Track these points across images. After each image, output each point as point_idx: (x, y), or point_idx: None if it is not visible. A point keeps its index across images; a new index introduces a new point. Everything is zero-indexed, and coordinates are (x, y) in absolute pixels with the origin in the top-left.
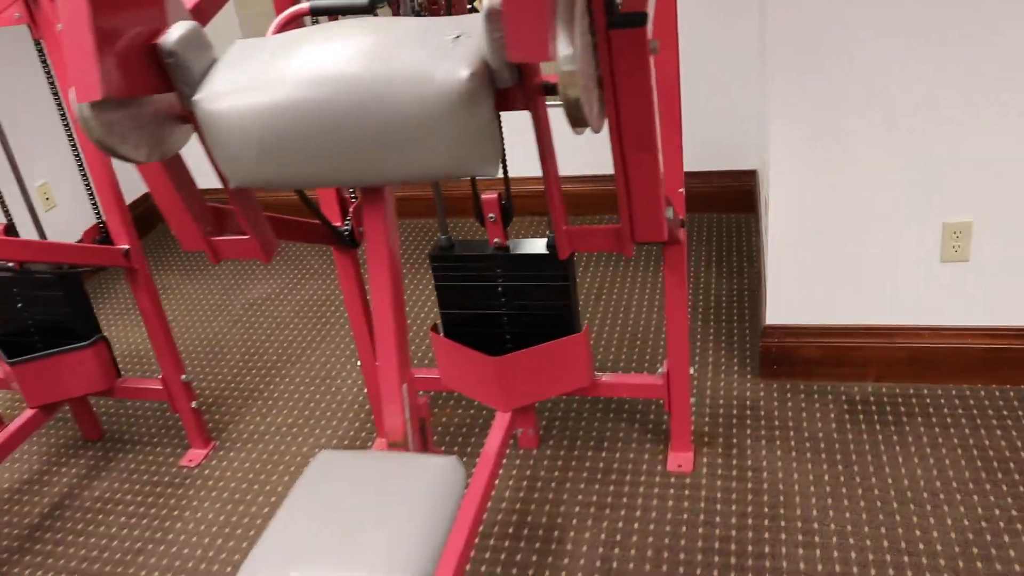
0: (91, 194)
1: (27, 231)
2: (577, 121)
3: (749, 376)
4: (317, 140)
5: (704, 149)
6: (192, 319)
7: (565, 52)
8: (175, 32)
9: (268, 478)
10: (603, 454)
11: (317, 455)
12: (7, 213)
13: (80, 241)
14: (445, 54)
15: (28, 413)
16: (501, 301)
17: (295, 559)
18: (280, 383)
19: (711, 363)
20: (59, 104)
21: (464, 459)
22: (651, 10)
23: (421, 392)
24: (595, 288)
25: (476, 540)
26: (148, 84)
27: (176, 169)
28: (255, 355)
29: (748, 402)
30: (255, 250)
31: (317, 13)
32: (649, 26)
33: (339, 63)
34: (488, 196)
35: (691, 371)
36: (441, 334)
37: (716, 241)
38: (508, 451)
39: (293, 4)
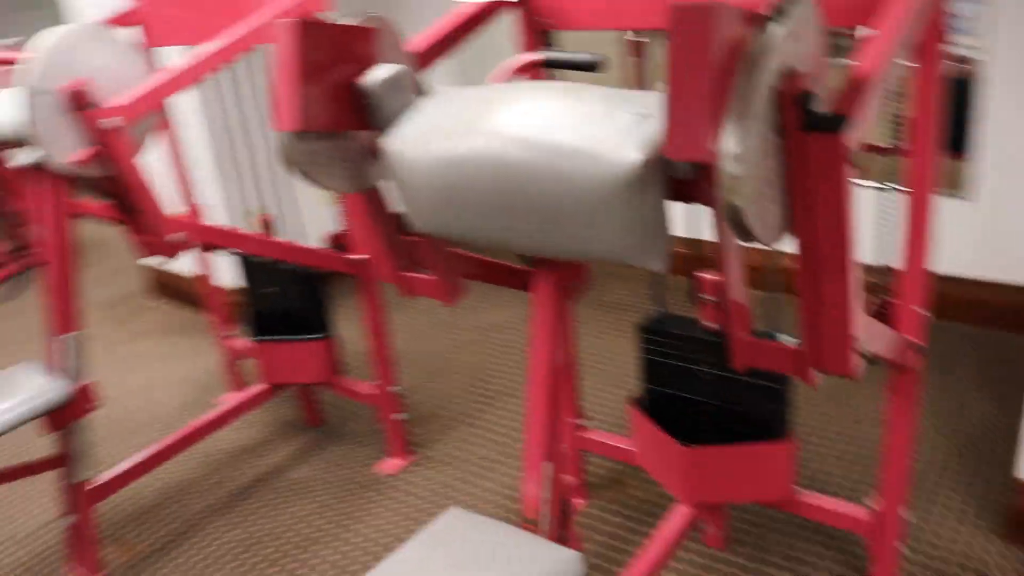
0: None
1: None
2: (740, 231)
3: (986, 534)
4: (488, 198)
5: (1002, 255)
6: (419, 335)
7: (730, 152)
8: (376, 74)
9: (453, 505)
10: None
11: (447, 511)
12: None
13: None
14: (624, 133)
15: (261, 387)
16: (706, 389)
17: None
18: (491, 413)
19: (938, 506)
20: None
21: (637, 537)
22: (863, 115)
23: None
24: (823, 388)
25: None
26: (348, 120)
27: (373, 202)
28: (475, 380)
29: (978, 566)
30: (440, 291)
31: (550, 65)
32: (853, 133)
33: (520, 125)
34: (710, 276)
35: (908, 515)
36: (639, 409)
37: (980, 361)
38: (688, 544)
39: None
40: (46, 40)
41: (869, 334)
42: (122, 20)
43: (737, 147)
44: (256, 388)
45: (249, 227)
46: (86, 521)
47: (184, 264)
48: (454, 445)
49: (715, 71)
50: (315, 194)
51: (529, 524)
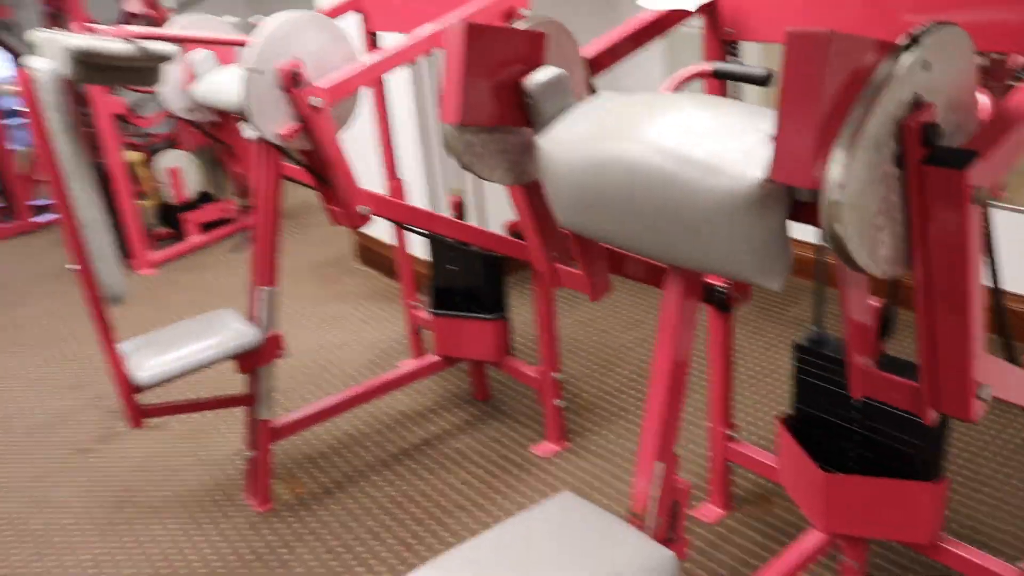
0: None
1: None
2: (844, 259)
3: None
4: (620, 201)
5: None
6: (596, 326)
7: (835, 179)
8: (537, 76)
9: (599, 498)
10: None
11: (560, 494)
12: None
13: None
14: (751, 151)
15: (433, 358)
16: (857, 416)
17: None
18: None
19: None
20: None
21: (769, 555)
22: (1001, 154)
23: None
24: (996, 431)
25: None
26: (509, 117)
27: (532, 194)
28: (641, 377)
29: None
30: (585, 286)
31: (720, 76)
32: (980, 171)
33: (658, 133)
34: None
35: None
36: (788, 427)
37: None
38: (822, 573)
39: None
40: (269, 25)
41: (998, 377)
42: (345, 7)
43: (842, 175)
44: (431, 358)
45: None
46: (264, 457)
47: (387, 233)
48: (610, 438)
49: (826, 98)
50: None
51: (635, 519)
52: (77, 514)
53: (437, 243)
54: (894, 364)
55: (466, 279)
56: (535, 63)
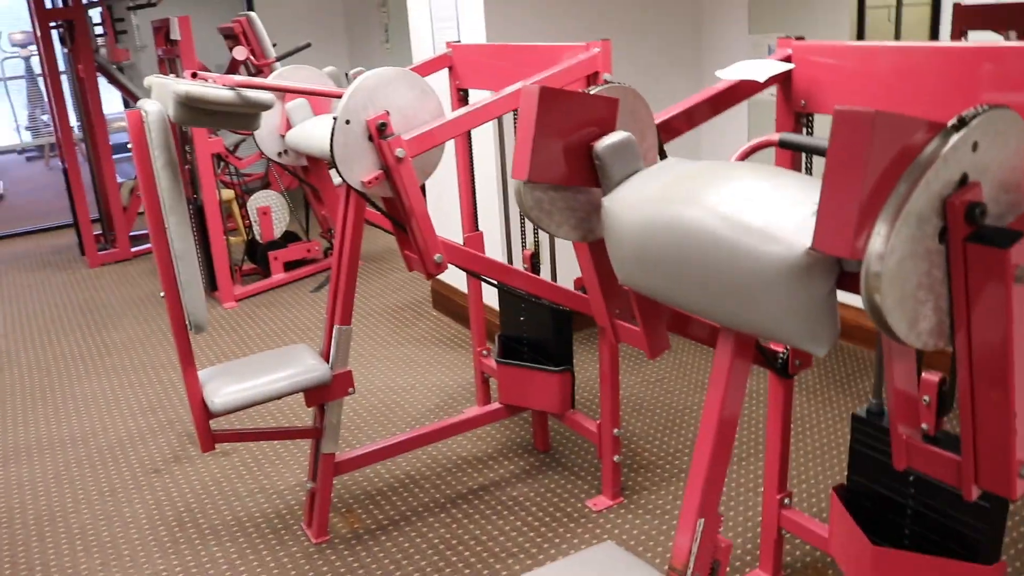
0: None
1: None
2: (884, 329)
3: None
4: (678, 263)
5: None
6: (661, 385)
7: (876, 250)
8: (606, 140)
9: (646, 555)
10: None
11: (602, 544)
12: (536, 243)
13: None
14: (805, 221)
15: (497, 405)
16: (911, 491)
17: None
18: None
19: None
20: None
21: None
22: None
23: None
24: None
25: None
26: (579, 177)
27: (597, 252)
28: None
29: None
30: (643, 342)
31: (786, 146)
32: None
33: (715, 199)
34: (929, 376)
35: None
36: (841, 498)
37: None
38: None
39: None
40: (360, 79)
41: None
42: (435, 64)
43: (883, 247)
44: (495, 406)
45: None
46: (325, 489)
47: (461, 281)
48: (666, 498)
49: (870, 173)
50: None
51: (675, 573)
52: (143, 530)
53: (508, 294)
54: (949, 439)
55: (535, 331)
56: (607, 127)
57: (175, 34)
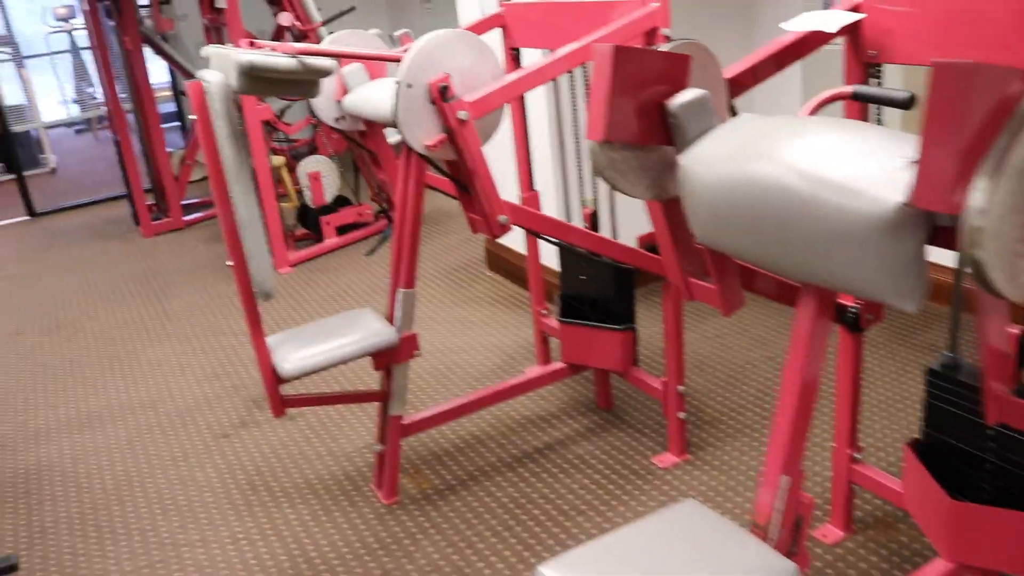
0: None
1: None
2: (983, 284)
3: None
4: (756, 219)
5: None
6: (725, 342)
7: (977, 205)
8: (680, 97)
9: (718, 511)
10: None
11: (685, 501)
12: (595, 201)
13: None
14: (891, 175)
15: (559, 365)
16: (991, 446)
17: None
18: None
19: None
20: None
21: None
22: None
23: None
24: None
25: None
26: (653, 136)
27: (670, 210)
28: (767, 395)
29: None
30: (718, 299)
31: (860, 99)
32: None
33: (797, 155)
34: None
35: None
36: (916, 453)
37: None
38: None
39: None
40: (420, 42)
41: None
42: (488, 23)
43: (984, 201)
44: (557, 365)
45: (579, 217)
46: (393, 451)
47: (517, 241)
48: (732, 454)
49: (970, 127)
50: None
51: (758, 530)
52: (217, 493)
53: (568, 253)
54: None
55: (596, 289)
56: (680, 85)
57: (221, 2)
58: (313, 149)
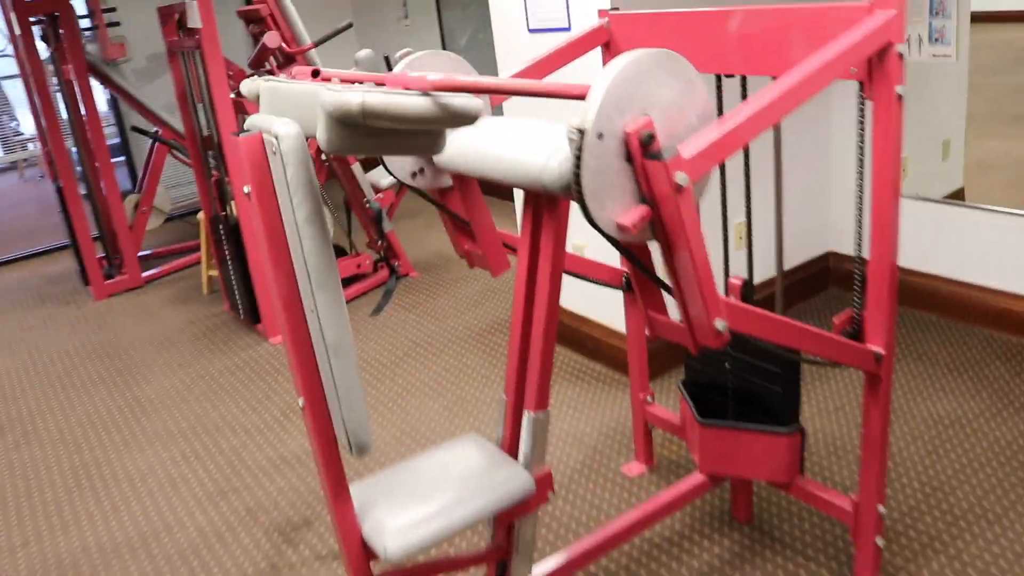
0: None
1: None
2: None
3: None
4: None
5: None
6: (842, 413)
7: None
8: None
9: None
10: None
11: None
12: (750, 270)
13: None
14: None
15: (698, 478)
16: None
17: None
18: (961, 540)
19: None
20: (860, 161)
21: None
22: None
23: None
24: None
25: None
26: None
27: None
28: (932, 495)
29: None
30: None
31: None
32: None
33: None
34: None
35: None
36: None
37: None
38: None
39: None
40: (613, 69)
41: None
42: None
43: None
44: (694, 479)
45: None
46: None
47: (574, 300)
48: None
49: None
50: None
51: None
52: None
53: None
54: None
55: (747, 380)
56: None
57: (194, 22)
58: None
